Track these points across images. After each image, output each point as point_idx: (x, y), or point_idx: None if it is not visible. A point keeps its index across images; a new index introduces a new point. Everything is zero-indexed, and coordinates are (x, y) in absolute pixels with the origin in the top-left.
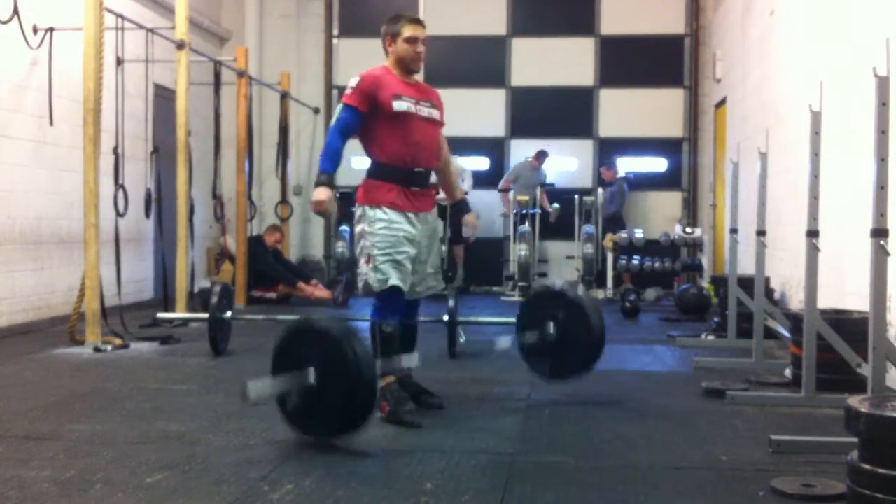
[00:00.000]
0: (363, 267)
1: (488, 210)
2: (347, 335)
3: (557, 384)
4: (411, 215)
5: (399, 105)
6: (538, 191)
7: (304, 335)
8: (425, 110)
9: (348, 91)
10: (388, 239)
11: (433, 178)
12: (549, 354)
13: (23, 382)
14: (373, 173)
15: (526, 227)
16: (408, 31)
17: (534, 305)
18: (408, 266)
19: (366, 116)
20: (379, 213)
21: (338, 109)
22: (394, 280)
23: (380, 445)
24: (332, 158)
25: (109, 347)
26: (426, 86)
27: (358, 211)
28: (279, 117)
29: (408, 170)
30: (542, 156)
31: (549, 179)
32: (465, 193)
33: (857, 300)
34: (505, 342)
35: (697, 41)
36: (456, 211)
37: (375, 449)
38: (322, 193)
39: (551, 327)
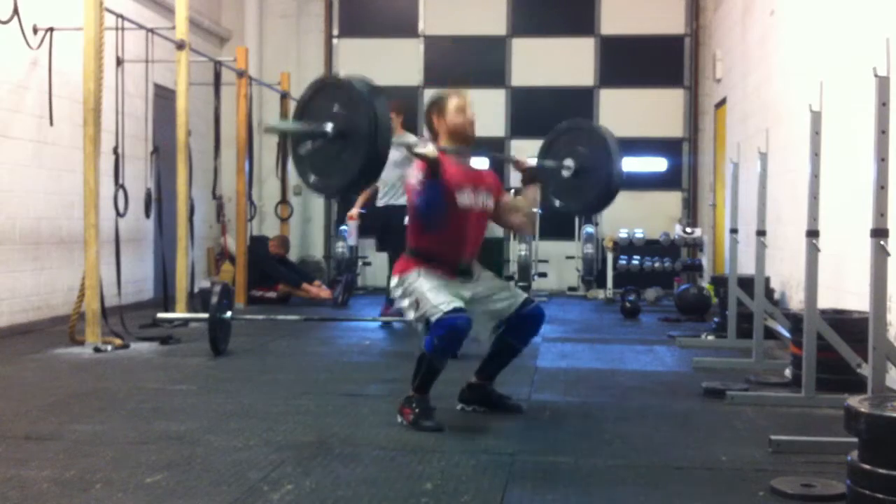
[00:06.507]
0: (415, 314)
1: None
2: (373, 95)
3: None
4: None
5: (462, 200)
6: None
7: (328, 89)
8: (481, 200)
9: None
10: (431, 281)
11: None
12: (566, 187)
13: (23, 382)
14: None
15: None
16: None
17: (557, 138)
18: (463, 294)
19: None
20: (417, 272)
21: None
22: (448, 305)
23: (380, 445)
24: None
25: (109, 347)
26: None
27: (394, 281)
28: (279, 117)
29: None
30: (395, 109)
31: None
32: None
33: (857, 300)
34: None
35: (697, 41)
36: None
37: (375, 449)
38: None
39: (570, 161)
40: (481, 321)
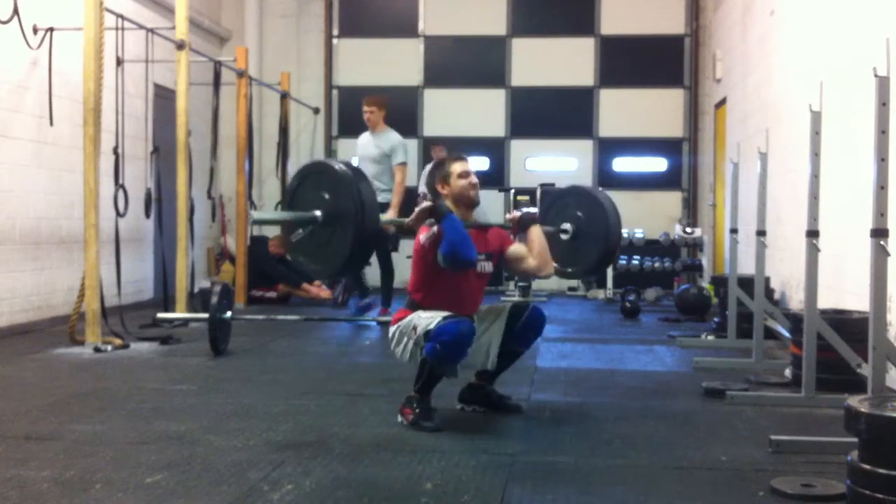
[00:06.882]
0: (413, 339)
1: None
2: (357, 178)
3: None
4: None
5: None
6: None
7: (314, 176)
8: (479, 265)
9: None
10: (430, 312)
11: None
12: (564, 251)
13: (23, 382)
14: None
15: None
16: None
17: (556, 202)
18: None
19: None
20: (414, 314)
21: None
22: (446, 313)
23: (380, 445)
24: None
25: (109, 347)
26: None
27: (392, 330)
28: (279, 117)
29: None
30: (377, 104)
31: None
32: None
33: (857, 300)
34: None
35: (697, 41)
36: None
37: (375, 449)
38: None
39: (568, 226)
40: (480, 348)
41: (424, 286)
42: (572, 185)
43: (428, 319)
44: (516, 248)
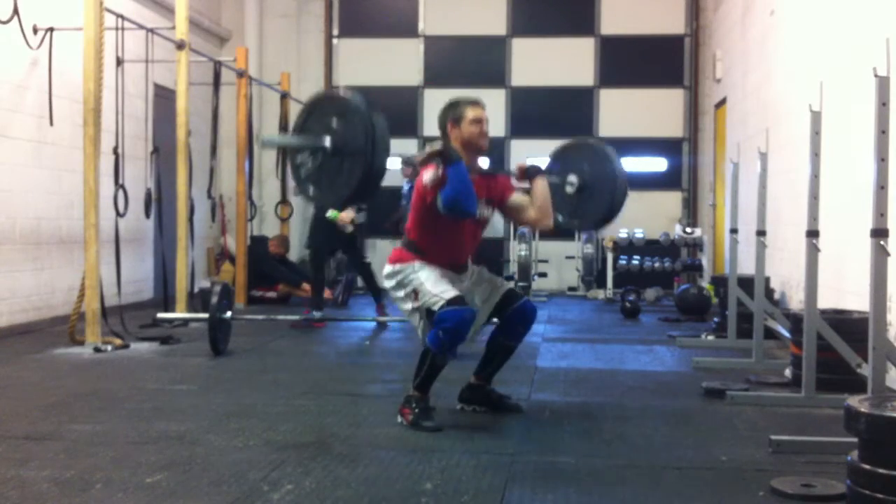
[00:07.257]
0: (412, 304)
1: None
2: (369, 106)
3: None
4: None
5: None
6: None
7: (325, 106)
8: (480, 210)
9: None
10: (432, 273)
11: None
12: (569, 203)
13: (23, 382)
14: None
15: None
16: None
17: (561, 157)
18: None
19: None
20: (417, 264)
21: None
22: (450, 293)
23: (380, 445)
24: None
25: (109, 347)
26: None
27: (388, 269)
28: (279, 117)
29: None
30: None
31: None
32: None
33: (857, 300)
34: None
35: (697, 41)
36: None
37: (375, 449)
38: None
39: (574, 178)
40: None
41: (422, 227)
42: (579, 138)
43: (433, 297)
44: (517, 197)
